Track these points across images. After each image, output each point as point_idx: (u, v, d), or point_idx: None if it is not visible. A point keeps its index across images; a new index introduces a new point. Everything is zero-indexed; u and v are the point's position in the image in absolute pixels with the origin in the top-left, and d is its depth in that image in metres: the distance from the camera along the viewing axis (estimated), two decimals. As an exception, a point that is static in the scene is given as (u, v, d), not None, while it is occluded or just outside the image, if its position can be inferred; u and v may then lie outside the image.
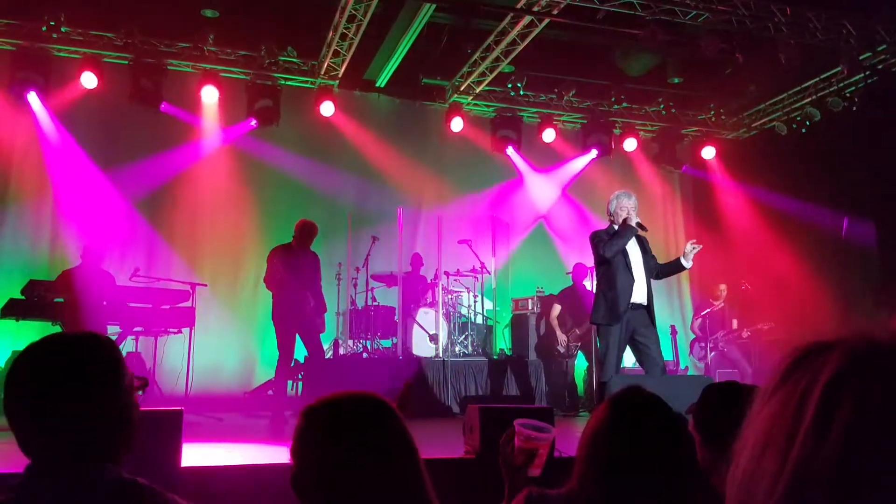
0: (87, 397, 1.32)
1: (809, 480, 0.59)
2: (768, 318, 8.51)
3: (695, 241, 5.56)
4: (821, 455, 0.59)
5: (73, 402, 1.30)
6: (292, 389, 7.44)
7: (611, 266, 5.31)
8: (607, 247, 5.28)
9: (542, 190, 10.52)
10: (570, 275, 8.55)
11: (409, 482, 1.32)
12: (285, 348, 6.41)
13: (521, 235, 10.20)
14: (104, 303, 6.48)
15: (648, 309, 5.33)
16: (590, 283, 8.24)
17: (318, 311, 6.68)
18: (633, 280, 5.29)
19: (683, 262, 5.51)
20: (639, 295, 5.30)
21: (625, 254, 5.32)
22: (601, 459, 1.55)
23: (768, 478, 0.62)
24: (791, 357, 0.67)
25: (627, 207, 5.41)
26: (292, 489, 1.33)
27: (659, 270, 5.59)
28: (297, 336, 6.55)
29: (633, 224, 5.33)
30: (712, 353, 8.69)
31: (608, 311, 5.24)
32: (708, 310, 9.01)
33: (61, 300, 6.26)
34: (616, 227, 5.44)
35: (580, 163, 10.47)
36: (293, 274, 6.34)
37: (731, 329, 8.72)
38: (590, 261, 8.53)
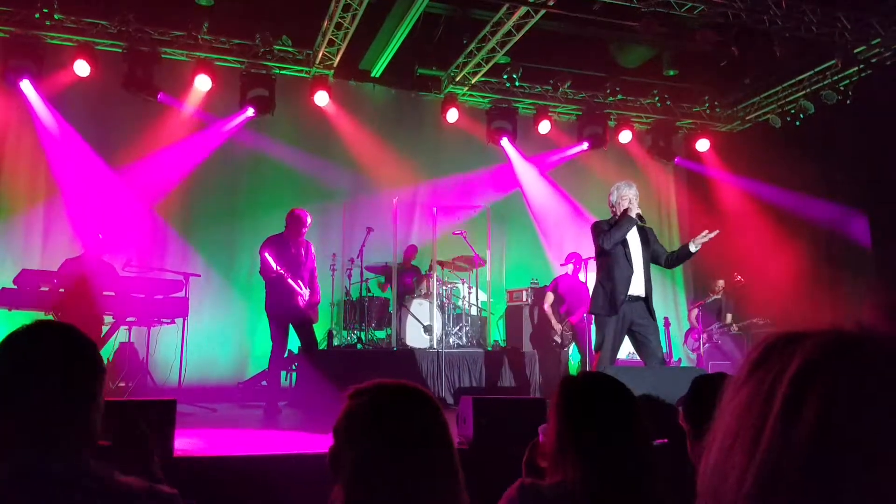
0: (64, 388, 1.34)
1: (778, 471, 0.60)
2: (761, 310, 8.55)
3: (709, 231, 5.31)
4: (789, 446, 0.60)
5: (47, 390, 1.32)
6: (286, 380, 7.46)
7: (610, 257, 5.26)
8: (606, 238, 5.22)
9: (534, 181, 10.52)
10: (564, 264, 8.57)
11: (444, 474, 1.36)
12: (279, 339, 6.40)
13: (510, 222, 10.21)
14: (105, 293, 6.47)
15: (647, 301, 5.29)
16: (583, 274, 8.28)
17: (312, 302, 6.67)
18: (631, 271, 5.24)
19: (691, 246, 5.38)
20: (637, 287, 5.25)
21: (625, 244, 5.27)
22: (567, 442, 1.62)
23: (738, 468, 0.63)
24: (760, 348, 0.68)
25: (629, 197, 5.35)
26: (329, 465, 1.38)
27: (669, 257, 5.49)
28: (291, 327, 6.54)
29: (633, 215, 5.27)
30: (706, 345, 8.73)
31: (606, 302, 5.21)
32: (701, 302, 9.05)
33: (47, 289, 6.24)
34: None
35: (571, 153, 10.50)
36: (285, 264, 6.32)
37: (725, 322, 8.76)
38: (584, 251, 8.58)
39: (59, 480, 1.24)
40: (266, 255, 6.28)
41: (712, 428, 0.68)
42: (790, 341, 0.65)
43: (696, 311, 9.00)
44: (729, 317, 8.75)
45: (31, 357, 1.35)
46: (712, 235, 5.28)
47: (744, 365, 0.68)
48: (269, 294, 6.42)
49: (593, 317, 5.45)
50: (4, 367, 1.34)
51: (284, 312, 6.37)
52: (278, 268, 6.24)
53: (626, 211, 5.30)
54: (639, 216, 5.29)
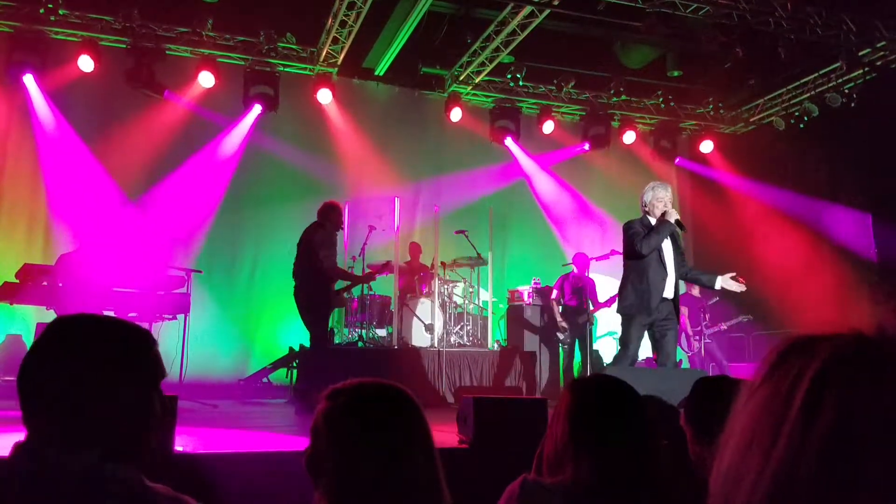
0: (119, 388, 1.26)
1: (795, 474, 0.60)
2: (761, 313, 8.53)
3: (742, 281, 5.36)
4: (806, 448, 0.59)
5: (101, 389, 1.25)
6: (286, 377, 7.46)
7: (644, 259, 5.09)
8: (644, 242, 5.05)
9: (538, 180, 10.52)
10: (571, 264, 8.58)
11: (427, 474, 1.34)
12: (322, 335, 6.22)
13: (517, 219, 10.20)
14: (101, 288, 6.47)
15: (674, 301, 5.19)
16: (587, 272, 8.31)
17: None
18: (666, 274, 5.12)
19: (718, 282, 5.32)
20: (669, 289, 5.15)
21: (658, 247, 5.13)
22: (574, 442, 1.61)
23: (752, 472, 0.62)
24: (778, 351, 0.67)
25: (665, 200, 5.18)
26: (306, 468, 1.34)
27: (689, 273, 5.43)
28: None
29: (672, 220, 5.11)
30: (707, 342, 8.69)
31: (638, 302, 5.07)
32: (704, 303, 9.01)
33: (48, 284, 6.24)
34: (650, 220, 5.21)
35: (574, 151, 10.50)
36: (335, 260, 6.23)
37: (705, 323, 8.69)
38: (589, 250, 8.59)
39: (80, 480, 1.19)
40: (324, 247, 6.12)
41: (726, 430, 0.67)
42: (808, 345, 0.65)
43: (684, 309, 8.92)
44: (706, 318, 8.70)
45: (68, 351, 1.25)
46: (741, 288, 5.30)
47: (761, 367, 0.67)
48: (320, 287, 6.20)
49: (621, 315, 5.32)
50: (43, 363, 1.25)
51: (329, 307, 6.30)
52: (332, 262, 6.09)
53: (663, 216, 5.14)
54: (678, 222, 5.14)
